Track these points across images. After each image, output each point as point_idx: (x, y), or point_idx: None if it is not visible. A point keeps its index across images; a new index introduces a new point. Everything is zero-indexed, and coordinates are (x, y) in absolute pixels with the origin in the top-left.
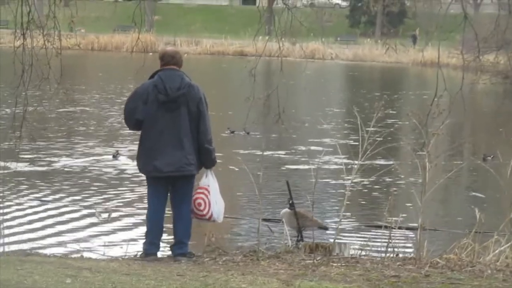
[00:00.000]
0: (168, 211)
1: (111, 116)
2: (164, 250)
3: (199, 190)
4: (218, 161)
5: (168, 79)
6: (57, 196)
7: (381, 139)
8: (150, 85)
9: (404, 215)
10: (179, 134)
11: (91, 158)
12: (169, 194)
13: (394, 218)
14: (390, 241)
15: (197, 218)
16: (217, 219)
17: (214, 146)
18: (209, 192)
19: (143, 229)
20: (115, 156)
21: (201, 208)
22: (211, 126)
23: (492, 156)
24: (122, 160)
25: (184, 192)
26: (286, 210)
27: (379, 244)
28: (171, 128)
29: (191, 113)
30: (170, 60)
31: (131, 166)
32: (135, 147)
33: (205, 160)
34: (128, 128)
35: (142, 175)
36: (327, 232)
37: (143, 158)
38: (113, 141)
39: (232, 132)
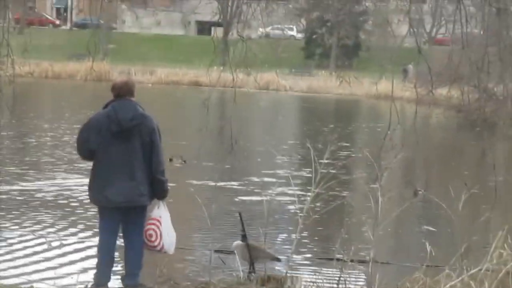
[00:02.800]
0: (120, 242)
1: (65, 144)
2: (115, 281)
3: (150, 221)
4: (169, 191)
5: (121, 109)
6: (6, 224)
7: (335, 171)
8: (103, 115)
9: (356, 247)
10: (131, 165)
11: (43, 185)
12: (120, 225)
13: (346, 251)
14: (342, 274)
15: (148, 249)
16: (169, 251)
17: (166, 177)
18: (160, 223)
19: (94, 259)
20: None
21: (153, 239)
22: (163, 157)
23: (423, 190)
24: None
25: (136, 223)
26: (238, 242)
27: (331, 276)
28: (124, 159)
29: (144, 144)
30: (119, 92)
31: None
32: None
33: (158, 191)
34: (81, 158)
35: None
36: (280, 264)
37: (94, 188)
38: (66, 168)
39: (171, 159)
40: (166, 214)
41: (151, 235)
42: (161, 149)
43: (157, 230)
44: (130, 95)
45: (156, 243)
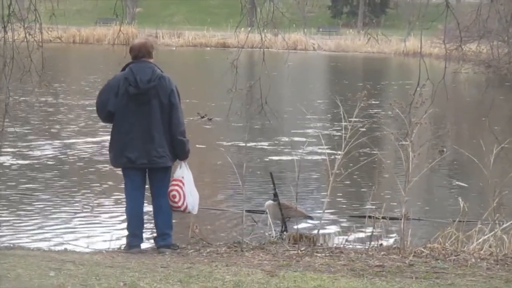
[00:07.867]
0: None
1: (92, 108)
2: (148, 242)
3: (173, 182)
4: (199, 152)
5: (139, 71)
6: (39, 188)
7: (364, 129)
8: (121, 78)
9: (388, 204)
10: (149, 127)
11: (74, 149)
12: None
13: (377, 208)
14: (374, 231)
15: (172, 210)
16: (192, 211)
17: (187, 137)
18: (183, 183)
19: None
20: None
21: (176, 200)
22: (183, 117)
23: (445, 149)
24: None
25: (160, 184)
26: (270, 201)
27: (363, 234)
28: (142, 121)
29: (162, 105)
30: (137, 54)
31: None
32: None
33: (179, 152)
34: (100, 120)
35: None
36: (311, 223)
37: (114, 150)
38: (93, 132)
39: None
40: (189, 174)
41: (174, 196)
42: (180, 110)
43: (180, 191)
44: (148, 57)
45: (179, 204)
